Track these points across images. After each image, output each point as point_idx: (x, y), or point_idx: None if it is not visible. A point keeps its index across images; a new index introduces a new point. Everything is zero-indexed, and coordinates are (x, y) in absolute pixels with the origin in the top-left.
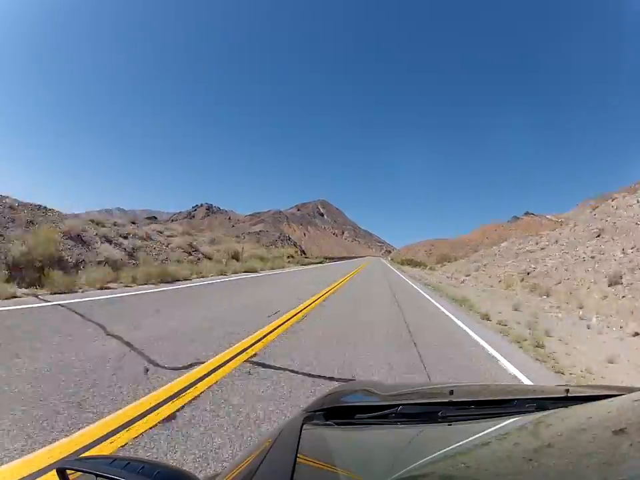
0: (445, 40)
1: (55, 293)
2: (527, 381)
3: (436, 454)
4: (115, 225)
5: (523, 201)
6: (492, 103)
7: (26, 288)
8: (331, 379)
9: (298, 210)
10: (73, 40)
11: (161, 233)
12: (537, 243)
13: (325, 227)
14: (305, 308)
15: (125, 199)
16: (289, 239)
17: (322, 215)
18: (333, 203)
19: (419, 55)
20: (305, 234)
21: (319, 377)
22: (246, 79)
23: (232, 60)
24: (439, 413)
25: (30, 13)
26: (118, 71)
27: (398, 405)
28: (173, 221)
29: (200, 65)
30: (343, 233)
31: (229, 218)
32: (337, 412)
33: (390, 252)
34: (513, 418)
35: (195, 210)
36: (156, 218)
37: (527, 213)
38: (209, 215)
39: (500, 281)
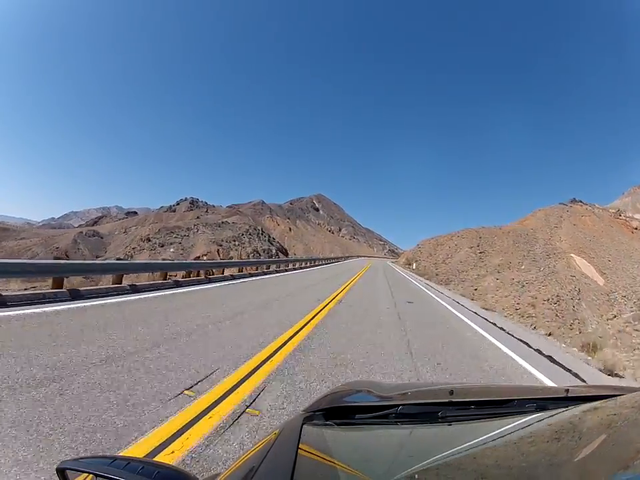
0: (446, 39)
1: None
2: None
3: (436, 454)
4: None
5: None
6: (490, 103)
7: None
8: None
9: (291, 204)
10: (72, 40)
11: None
12: None
13: (319, 223)
14: None
15: (126, 197)
16: (262, 232)
17: (317, 209)
18: (331, 198)
19: (421, 54)
20: (290, 229)
21: None
22: (247, 79)
23: (233, 60)
24: (439, 413)
25: (25, 11)
26: (117, 74)
27: (398, 405)
28: (147, 214)
29: (202, 66)
30: (340, 229)
31: (207, 210)
32: (337, 412)
33: (395, 252)
34: (513, 418)
35: (178, 204)
36: (136, 213)
37: (574, 200)
38: (192, 209)
39: None
